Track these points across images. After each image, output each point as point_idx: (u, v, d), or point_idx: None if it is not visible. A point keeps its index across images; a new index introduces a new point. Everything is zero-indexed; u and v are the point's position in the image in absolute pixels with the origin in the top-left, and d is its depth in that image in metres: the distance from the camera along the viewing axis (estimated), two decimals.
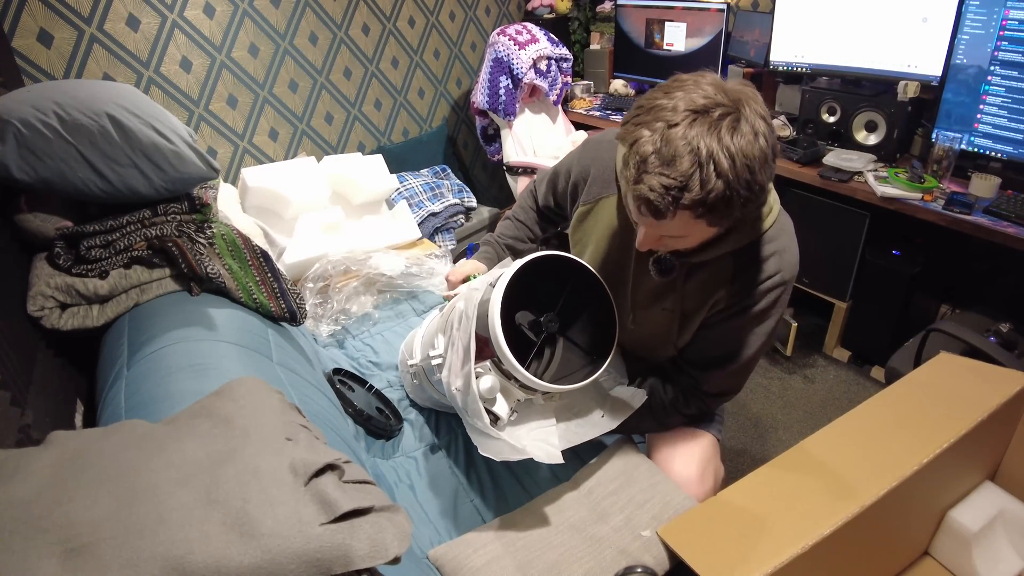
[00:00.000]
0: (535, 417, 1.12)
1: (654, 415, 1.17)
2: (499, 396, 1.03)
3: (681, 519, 0.94)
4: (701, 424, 1.22)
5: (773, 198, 1.04)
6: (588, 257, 1.20)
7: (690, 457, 1.15)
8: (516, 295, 1.01)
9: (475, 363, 0.98)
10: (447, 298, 1.23)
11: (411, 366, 1.36)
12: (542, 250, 1.03)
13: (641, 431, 1.25)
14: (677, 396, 1.16)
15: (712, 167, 0.78)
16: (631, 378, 1.23)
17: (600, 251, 1.17)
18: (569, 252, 1.11)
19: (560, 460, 1.02)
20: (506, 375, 1.01)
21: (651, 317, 1.14)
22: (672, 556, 0.93)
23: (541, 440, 1.08)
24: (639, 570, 0.91)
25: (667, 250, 1.02)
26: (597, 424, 1.11)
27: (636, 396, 1.13)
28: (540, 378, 0.98)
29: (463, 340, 1.00)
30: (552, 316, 1.03)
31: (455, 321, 1.07)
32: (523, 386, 1.01)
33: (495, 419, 1.03)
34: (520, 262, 0.99)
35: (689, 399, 1.15)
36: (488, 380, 1.00)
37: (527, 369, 0.96)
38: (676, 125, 0.80)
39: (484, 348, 1.01)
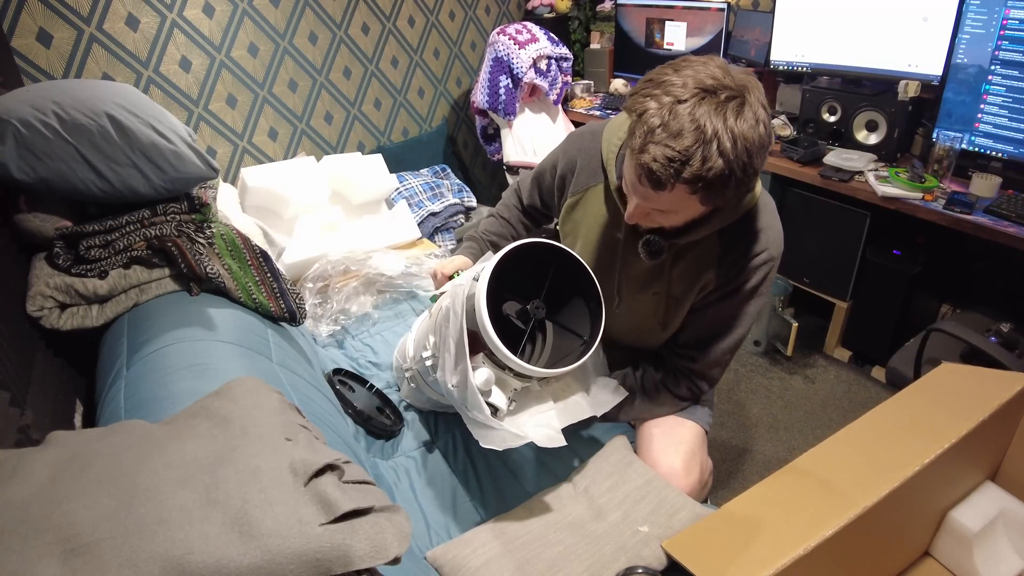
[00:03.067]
0: (533, 404, 1.13)
1: (647, 397, 1.19)
2: (495, 388, 1.04)
3: (687, 532, 0.95)
4: (689, 413, 1.23)
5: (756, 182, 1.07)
6: (579, 246, 1.22)
7: (675, 450, 1.16)
8: (502, 285, 1.02)
9: (469, 358, 0.99)
10: (435, 296, 1.23)
11: (406, 370, 1.36)
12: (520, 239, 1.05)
13: (632, 417, 1.25)
14: (667, 375, 1.18)
15: (715, 145, 0.82)
16: (621, 366, 1.26)
17: (590, 239, 1.20)
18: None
19: (563, 442, 1.03)
20: (500, 366, 1.02)
21: (641, 302, 1.16)
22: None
23: (542, 425, 1.09)
24: (640, 571, 0.91)
25: (652, 226, 1.04)
26: (594, 404, 1.12)
27: (619, 391, 1.15)
28: (534, 365, 0.99)
29: (454, 337, 1.01)
30: (538, 303, 1.04)
31: (443, 319, 1.08)
32: (518, 374, 1.02)
33: (494, 410, 1.04)
34: (501, 252, 1.00)
35: (679, 379, 1.17)
36: (483, 373, 1.01)
37: (519, 357, 0.97)
38: (684, 101, 0.83)
39: (475, 342, 1.02)
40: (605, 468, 1.13)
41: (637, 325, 1.19)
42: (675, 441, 1.17)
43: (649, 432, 1.21)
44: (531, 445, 1.29)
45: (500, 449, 0.99)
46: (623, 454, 1.15)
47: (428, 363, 1.17)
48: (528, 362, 0.98)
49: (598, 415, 1.12)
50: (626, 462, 1.13)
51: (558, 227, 1.30)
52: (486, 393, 1.02)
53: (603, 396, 1.14)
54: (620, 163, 1.08)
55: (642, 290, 1.15)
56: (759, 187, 1.07)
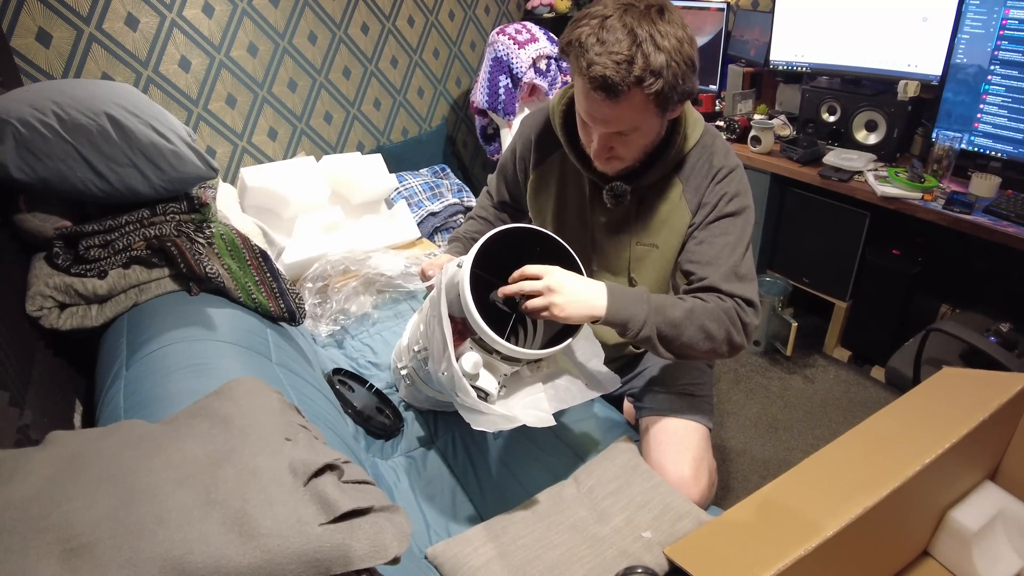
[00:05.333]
0: (524, 389, 1.13)
1: (692, 316, 1.04)
2: (484, 372, 1.05)
3: (689, 538, 0.95)
4: (692, 413, 1.22)
5: (697, 115, 1.14)
6: (551, 215, 1.27)
7: (682, 458, 1.15)
8: (488, 274, 1.04)
9: (455, 343, 1.01)
10: (428, 289, 1.24)
11: (402, 368, 1.36)
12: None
13: (682, 340, 1.05)
14: (710, 295, 1.07)
15: (651, 43, 0.92)
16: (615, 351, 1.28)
17: (560, 206, 1.25)
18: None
19: (552, 423, 1.03)
20: (487, 350, 1.03)
21: (616, 250, 1.21)
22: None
23: (532, 408, 1.09)
24: (640, 570, 0.91)
25: (619, 166, 1.08)
26: (585, 390, 1.12)
27: (612, 380, 1.15)
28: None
29: (439, 322, 1.02)
30: None
31: (430, 307, 1.09)
32: (506, 358, 1.04)
33: (485, 395, 1.05)
34: (484, 237, 1.02)
35: (722, 297, 1.06)
36: (471, 357, 1.02)
37: (507, 343, 0.99)
38: (610, 16, 0.93)
39: (464, 328, 1.03)
40: (611, 470, 1.12)
41: (616, 279, 1.21)
42: (682, 447, 1.16)
43: (655, 437, 1.20)
44: (531, 444, 1.30)
45: (491, 431, 1.00)
46: (629, 456, 1.15)
47: (421, 356, 1.18)
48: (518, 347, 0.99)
49: (586, 399, 1.12)
50: (632, 465, 1.12)
51: (530, 212, 1.35)
52: (473, 377, 1.03)
53: (595, 382, 1.13)
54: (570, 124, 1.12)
55: (615, 239, 1.21)
56: (701, 122, 1.13)
